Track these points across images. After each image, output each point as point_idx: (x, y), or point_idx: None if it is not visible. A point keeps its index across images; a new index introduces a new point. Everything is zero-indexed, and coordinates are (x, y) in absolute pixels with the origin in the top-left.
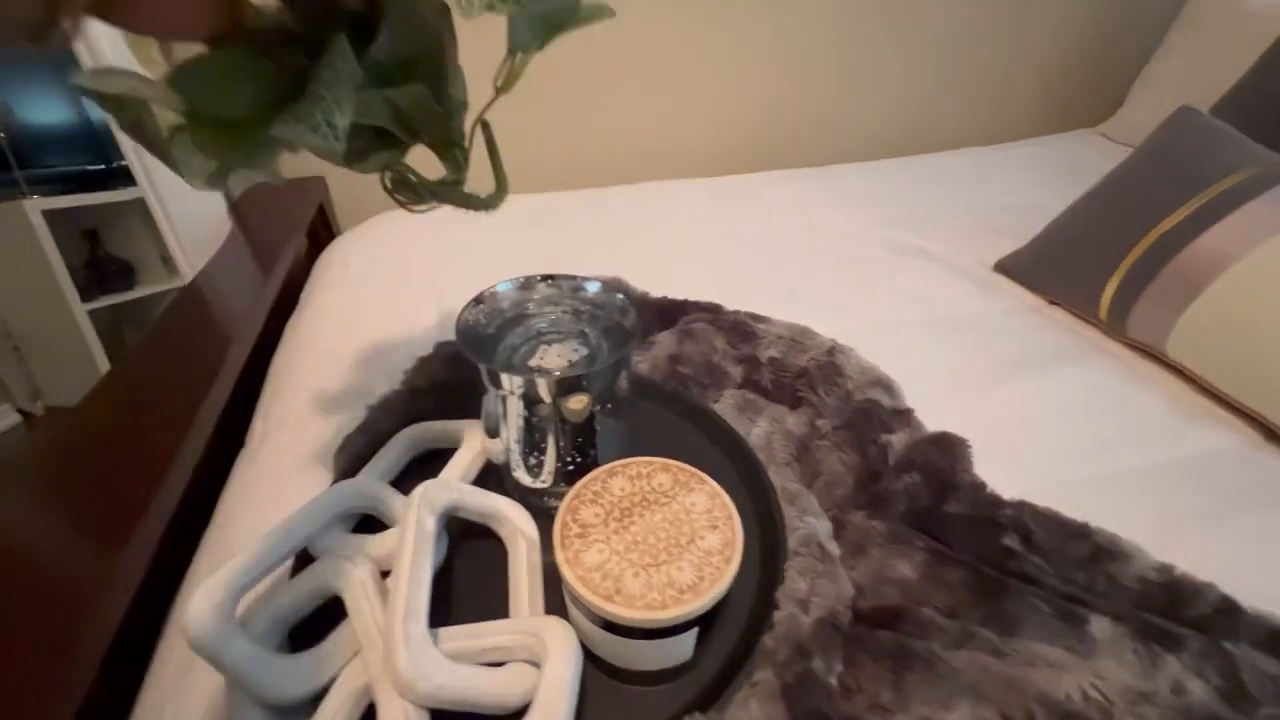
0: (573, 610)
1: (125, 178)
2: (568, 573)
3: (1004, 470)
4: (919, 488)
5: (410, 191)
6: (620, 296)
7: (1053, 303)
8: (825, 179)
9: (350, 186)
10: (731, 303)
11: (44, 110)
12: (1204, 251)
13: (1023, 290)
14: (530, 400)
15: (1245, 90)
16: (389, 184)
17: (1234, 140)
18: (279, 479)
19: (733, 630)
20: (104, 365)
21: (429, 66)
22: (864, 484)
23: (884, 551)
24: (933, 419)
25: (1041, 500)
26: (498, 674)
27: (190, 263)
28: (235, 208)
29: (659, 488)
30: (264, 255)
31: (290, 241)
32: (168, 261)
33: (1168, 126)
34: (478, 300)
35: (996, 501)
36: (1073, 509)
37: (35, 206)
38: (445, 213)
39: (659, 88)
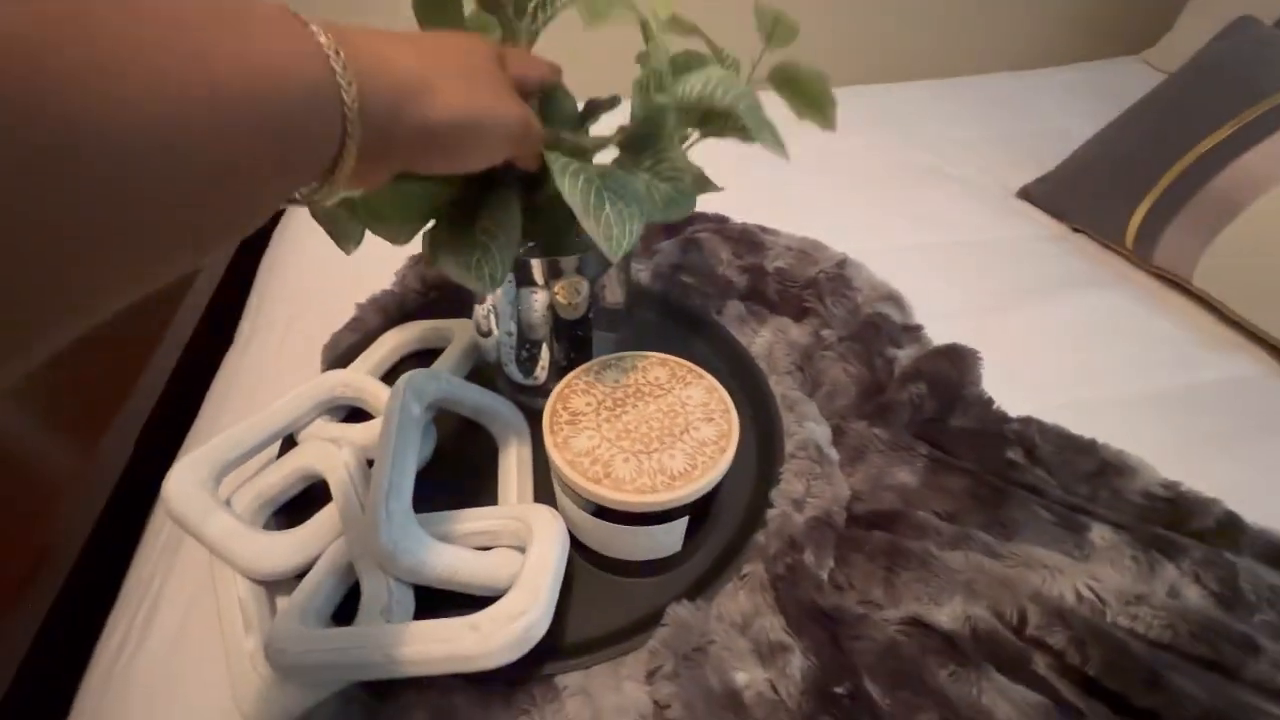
0: (561, 498)
1: None
2: (556, 456)
3: (1015, 391)
4: (925, 399)
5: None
6: None
7: (1077, 230)
8: (851, 98)
9: None
10: (741, 218)
11: None
12: (1245, 172)
13: (1047, 217)
14: (524, 283)
15: None
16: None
17: None
18: (267, 374)
19: (726, 527)
20: None
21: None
22: (868, 394)
23: (884, 459)
24: (944, 338)
25: (1051, 418)
26: (484, 556)
27: None
28: None
29: (654, 380)
30: None
31: None
32: None
33: (1222, 37)
34: None
35: (1003, 416)
36: (1082, 428)
37: None
38: None
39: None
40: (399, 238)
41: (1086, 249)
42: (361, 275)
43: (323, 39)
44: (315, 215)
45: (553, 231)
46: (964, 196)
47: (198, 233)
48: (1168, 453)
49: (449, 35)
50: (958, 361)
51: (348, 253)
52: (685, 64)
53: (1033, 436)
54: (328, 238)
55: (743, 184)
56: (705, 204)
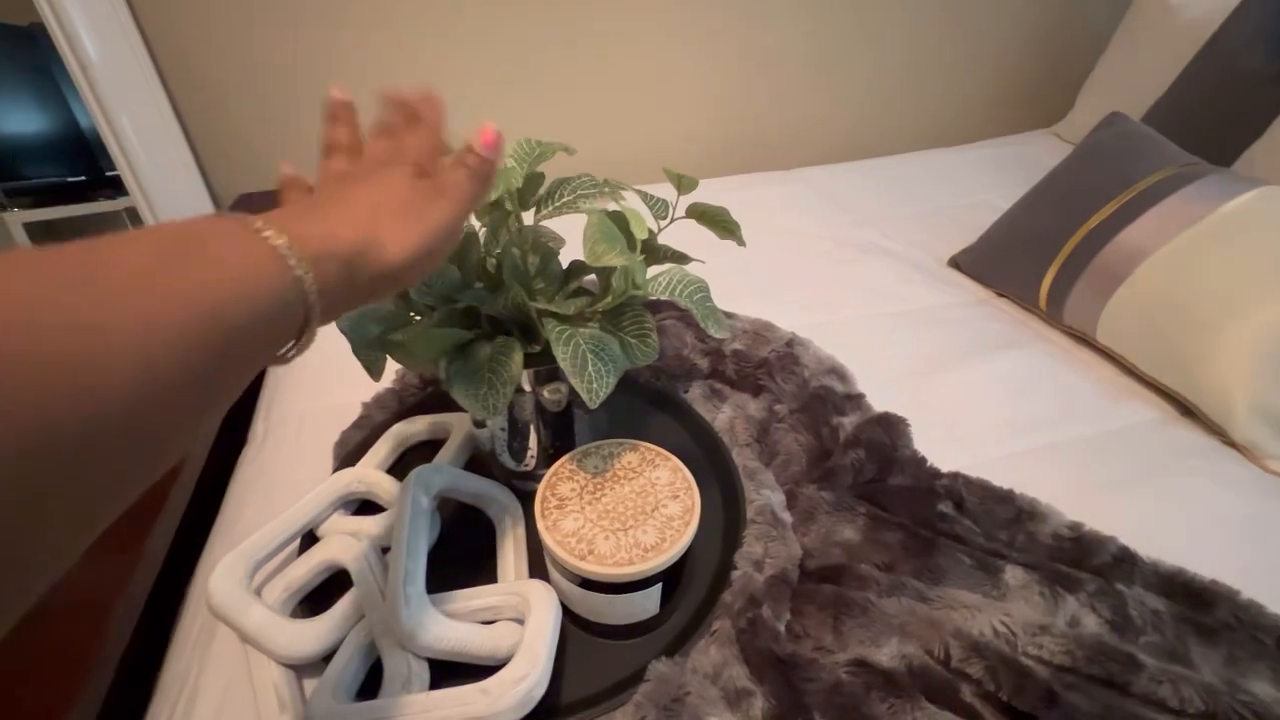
0: (553, 572)
1: (108, 188)
2: (547, 538)
3: (946, 447)
4: (864, 463)
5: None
6: None
7: (1000, 294)
8: (797, 182)
9: None
10: (722, 302)
11: (21, 120)
12: (1126, 245)
13: (974, 284)
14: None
15: (1172, 97)
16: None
17: (1155, 143)
18: (282, 471)
19: (698, 588)
20: None
21: None
22: (816, 461)
23: (831, 519)
24: (883, 403)
25: (978, 472)
26: (489, 629)
27: None
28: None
29: (627, 464)
30: None
31: None
32: None
33: (1098, 130)
34: None
35: (935, 473)
36: (1004, 478)
37: (17, 219)
38: None
39: (638, 101)
40: (424, 370)
41: (1008, 312)
42: (362, 373)
43: (277, 241)
44: (355, 351)
45: (544, 360)
46: (901, 268)
47: (182, 433)
48: (1077, 496)
49: (370, 179)
50: (889, 428)
51: (376, 380)
52: (652, 252)
53: (960, 490)
54: (329, 340)
55: (704, 270)
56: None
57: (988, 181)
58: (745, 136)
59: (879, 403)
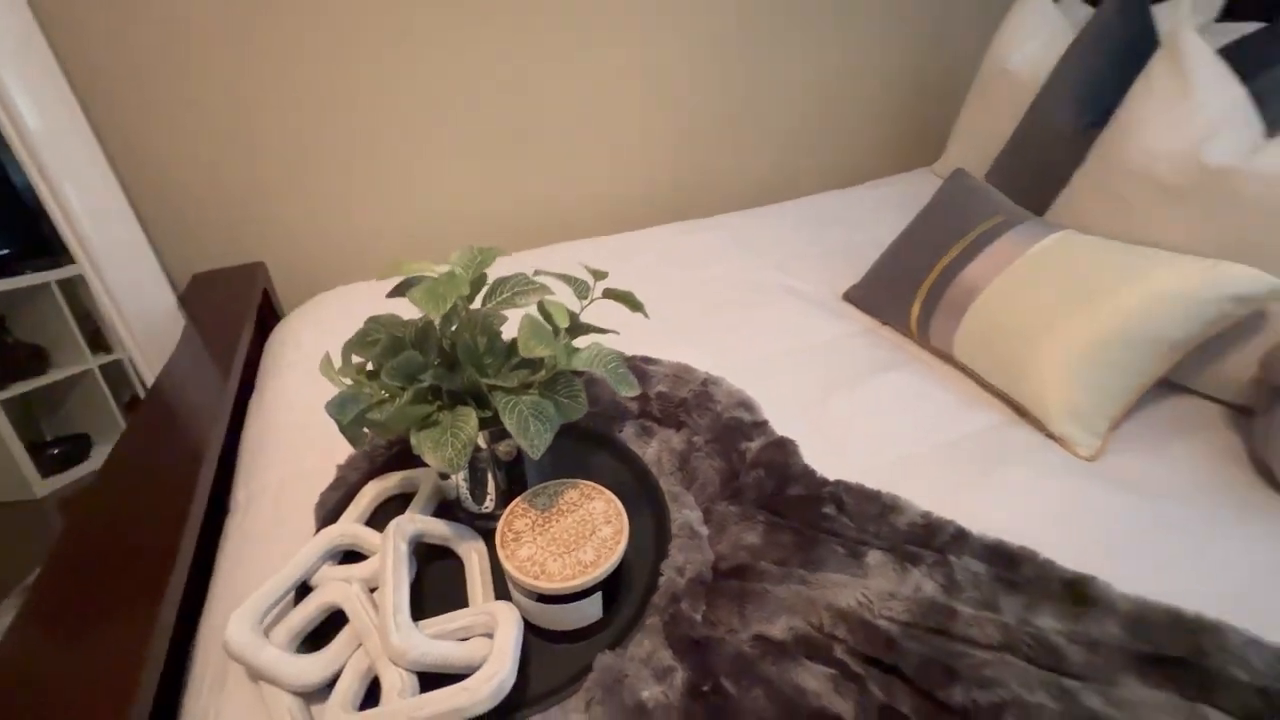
0: (514, 593)
1: (31, 260)
2: (508, 564)
3: (836, 458)
4: (764, 480)
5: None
6: None
7: (884, 324)
8: (716, 229)
9: (289, 270)
10: (634, 348)
11: None
12: (967, 281)
13: (863, 315)
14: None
15: (1009, 149)
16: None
17: (987, 195)
18: (268, 533)
19: (634, 595)
20: (19, 454)
21: None
22: (727, 481)
23: (738, 527)
24: (785, 426)
25: (859, 477)
26: (465, 645)
27: (132, 334)
28: (184, 299)
29: (570, 500)
30: (219, 347)
31: (243, 331)
32: (99, 338)
33: (945, 185)
34: None
35: (822, 482)
36: (879, 480)
37: None
38: (383, 286)
39: (563, 160)
40: (392, 435)
41: (890, 339)
42: (335, 438)
43: None
44: (341, 429)
45: (495, 423)
46: (803, 306)
47: None
48: (935, 491)
49: None
50: (781, 450)
51: (357, 449)
52: (576, 329)
53: (840, 494)
54: (300, 410)
55: (633, 320)
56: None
57: (878, 219)
58: (670, 188)
59: (781, 427)
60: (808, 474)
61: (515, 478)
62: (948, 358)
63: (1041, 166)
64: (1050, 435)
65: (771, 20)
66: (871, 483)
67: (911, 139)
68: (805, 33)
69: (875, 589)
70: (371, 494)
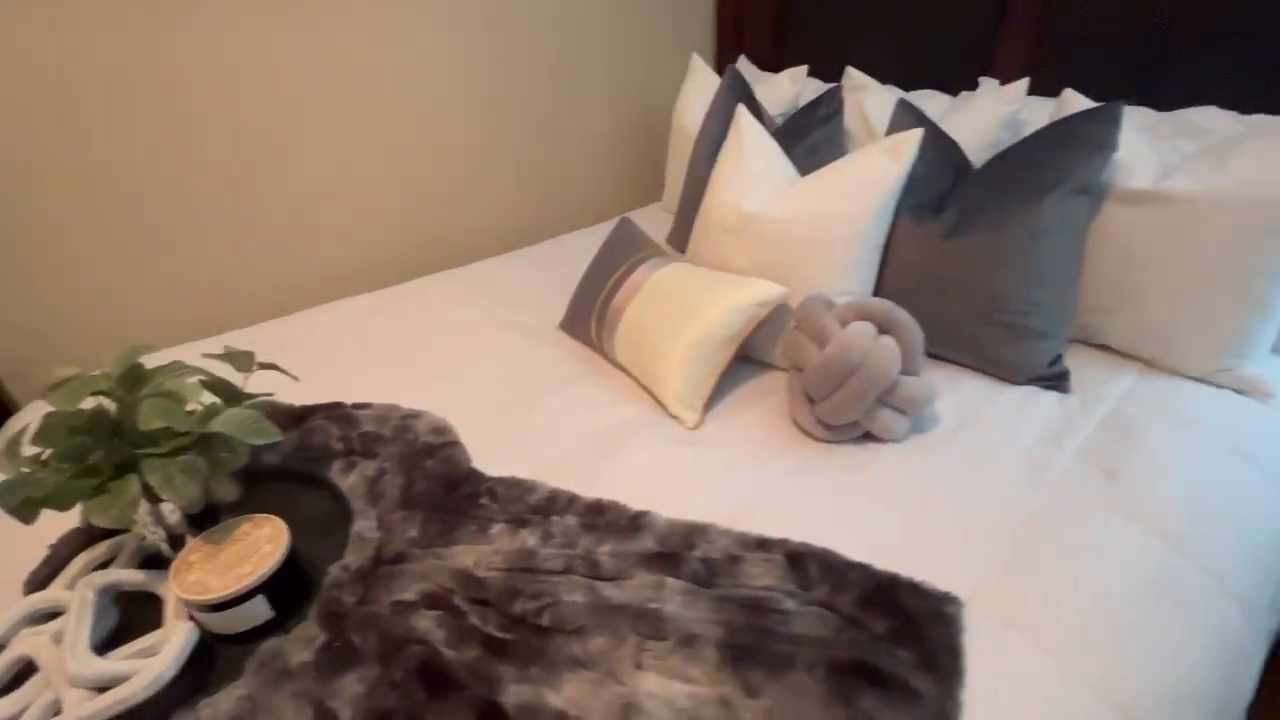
0: (191, 611)
1: None
2: (175, 588)
3: (513, 459)
4: (435, 485)
5: None
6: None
7: (584, 344)
8: (457, 279)
9: (14, 361)
10: (379, 393)
11: None
12: (616, 304)
13: (570, 340)
14: (156, 502)
15: (681, 196)
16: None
17: (638, 237)
18: None
19: (305, 594)
20: None
21: None
22: (405, 494)
23: (404, 526)
24: (477, 440)
25: (525, 473)
26: (141, 661)
27: None
28: None
29: (243, 531)
30: None
31: None
32: None
33: (612, 232)
34: None
35: (483, 479)
36: (537, 472)
37: None
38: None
39: (318, 226)
40: (65, 509)
41: (585, 357)
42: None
43: None
44: (6, 510)
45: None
46: (522, 338)
47: None
48: (589, 469)
49: None
50: (453, 462)
51: (28, 524)
52: (233, 398)
53: (495, 487)
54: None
55: (367, 371)
56: (349, 392)
57: None
58: (422, 244)
59: (474, 441)
60: (474, 476)
61: (208, 523)
62: (619, 366)
63: (692, 208)
64: (672, 415)
65: (497, 81)
66: (535, 473)
67: (645, 178)
68: (533, 89)
69: (487, 550)
70: (82, 563)
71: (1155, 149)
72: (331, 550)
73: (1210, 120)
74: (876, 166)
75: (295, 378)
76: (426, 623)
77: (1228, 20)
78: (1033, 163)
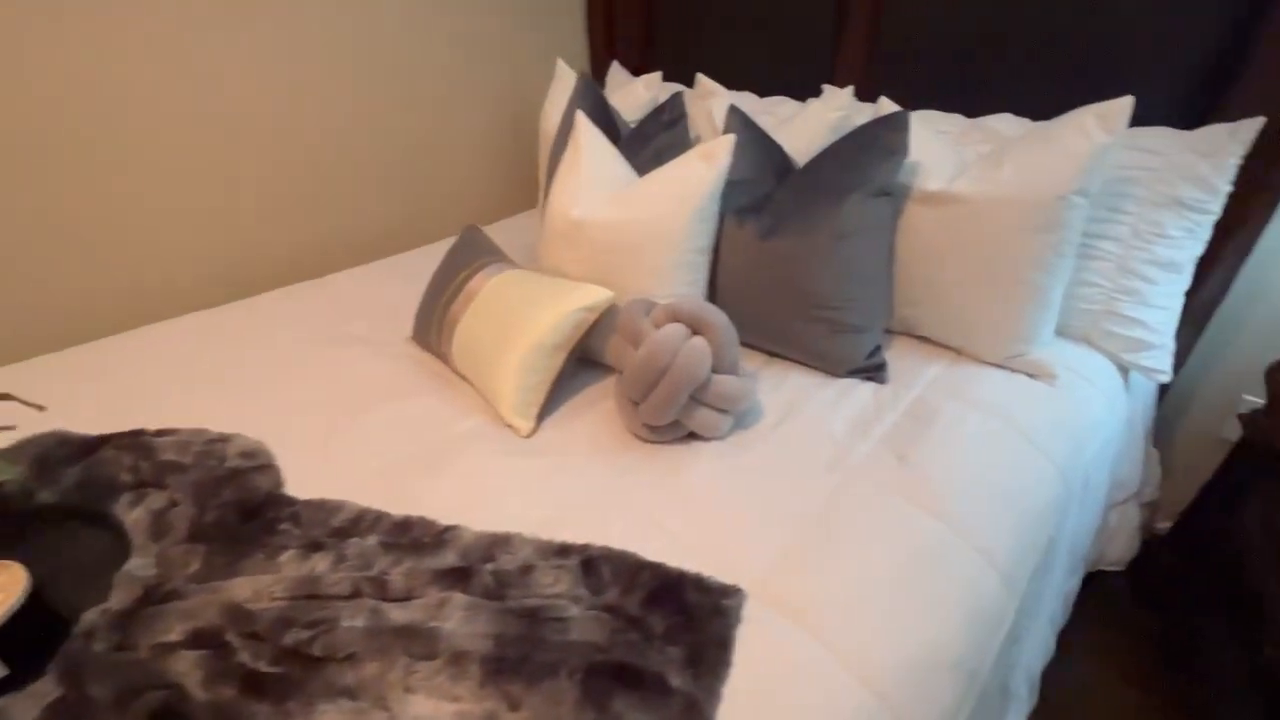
0: None
1: None
2: None
3: (331, 479)
4: (228, 516)
5: None
6: None
7: (434, 355)
8: (310, 291)
9: None
10: (193, 417)
11: None
12: (454, 312)
13: (418, 349)
14: None
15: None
16: None
17: (481, 244)
18: None
19: (53, 645)
20: None
21: None
22: (194, 525)
23: (186, 560)
24: (298, 461)
25: (345, 493)
26: None
27: None
28: None
29: None
30: None
31: None
32: None
33: (457, 240)
34: None
35: (289, 503)
36: (362, 491)
37: None
38: None
39: (149, 242)
40: None
41: (434, 367)
42: None
43: None
44: None
45: None
46: (368, 353)
47: None
48: (412, 482)
49: None
50: (254, 488)
51: None
52: None
53: (299, 510)
54: None
55: (194, 392)
56: (179, 416)
57: None
58: (275, 256)
59: (300, 461)
60: (276, 501)
61: None
62: (461, 375)
63: None
64: (508, 424)
65: (367, 80)
66: (352, 493)
67: (520, 183)
68: (397, 95)
69: (268, 580)
70: None
71: (955, 152)
72: (99, 594)
73: (1006, 126)
74: (693, 171)
75: (41, 408)
76: (184, 664)
77: (1034, 33)
78: (835, 167)
